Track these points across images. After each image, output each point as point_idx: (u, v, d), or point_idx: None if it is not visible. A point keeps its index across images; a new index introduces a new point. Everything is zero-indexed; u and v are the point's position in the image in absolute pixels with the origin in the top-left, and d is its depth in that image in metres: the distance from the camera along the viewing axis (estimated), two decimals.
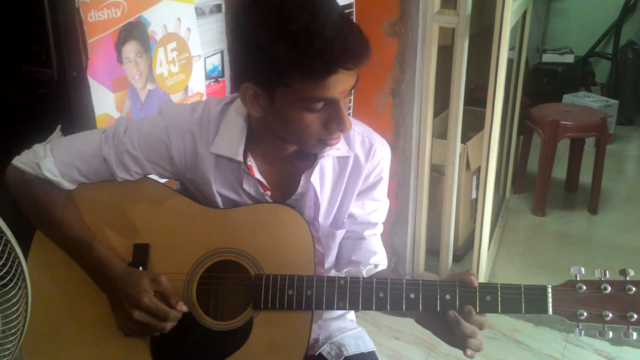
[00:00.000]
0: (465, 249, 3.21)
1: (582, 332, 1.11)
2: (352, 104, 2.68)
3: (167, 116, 1.26)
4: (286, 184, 1.29)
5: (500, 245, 3.34)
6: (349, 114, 2.52)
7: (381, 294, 1.16)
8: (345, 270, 1.40)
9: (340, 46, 1.01)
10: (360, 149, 1.30)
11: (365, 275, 1.36)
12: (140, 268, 1.24)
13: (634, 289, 1.10)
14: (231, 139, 1.23)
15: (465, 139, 2.90)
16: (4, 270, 1.01)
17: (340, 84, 1.06)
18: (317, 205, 1.28)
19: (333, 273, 1.42)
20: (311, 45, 1.01)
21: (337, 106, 1.10)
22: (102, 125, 1.65)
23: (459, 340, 1.15)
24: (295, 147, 1.24)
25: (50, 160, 1.24)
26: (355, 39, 1.04)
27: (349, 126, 1.12)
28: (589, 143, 4.31)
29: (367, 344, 1.43)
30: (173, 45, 1.86)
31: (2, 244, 1.01)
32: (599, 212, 3.72)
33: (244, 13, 1.07)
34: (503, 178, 3.63)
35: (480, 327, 1.13)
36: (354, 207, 1.35)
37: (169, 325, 1.19)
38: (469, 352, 1.14)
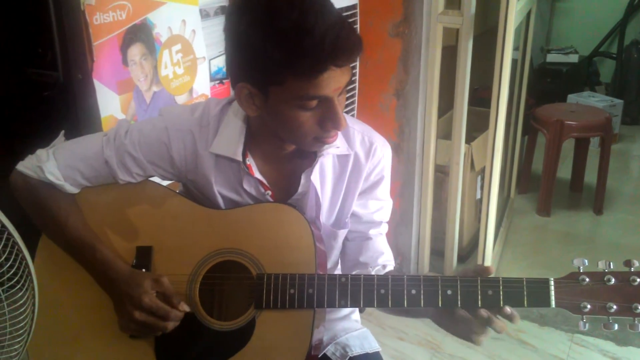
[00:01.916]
0: (470, 249, 3.21)
1: (587, 325, 1.09)
2: (356, 105, 2.68)
3: (167, 117, 1.27)
4: (287, 184, 1.29)
5: (505, 246, 3.34)
6: (352, 114, 2.53)
7: (382, 291, 1.16)
8: (354, 273, 1.39)
9: (330, 43, 1.01)
10: (361, 147, 1.30)
11: None
12: (144, 270, 1.24)
13: (638, 279, 1.08)
14: (230, 139, 1.23)
15: (469, 139, 2.89)
16: (12, 272, 1.02)
17: (333, 81, 1.06)
18: (318, 205, 1.28)
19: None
20: (301, 42, 1.01)
21: (331, 104, 1.10)
22: (107, 127, 1.66)
23: (471, 334, 1.13)
24: (294, 146, 1.25)
25: (53, 163, 1.25)
26: (347, 36, 1.04)
27: (344, 124, 1.12)
28: (594, 143, 4.30)
29: (372, 345, 1.43)
30: (178, 47, 1.87)
31: (10, 245, 1.01)
32: (604, 212, 3.71)
33: (237, 12, 1.08)
34: (508, 178, 3.63)
35: (511, 319, 1.11)
36: (357, 207, 1.35)
37: (170, 325, 1.20)
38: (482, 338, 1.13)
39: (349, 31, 1.05)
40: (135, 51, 1.73)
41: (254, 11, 1.05)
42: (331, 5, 1.07)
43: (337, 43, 1.02)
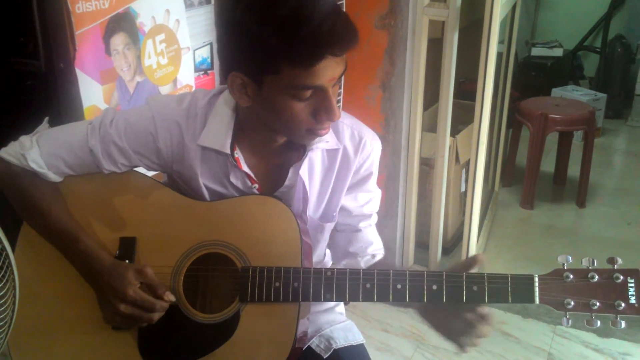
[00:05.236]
0: (455, 242, 3.22)
1: (570, 322, 1.11)
2: (341, 97, 2.67)
3: (154, 107, 1.25)
4: (274, 177, 1.28)
5: (489, 238, 3.36)
6: (338, 106, 2.53)
7: (368, 285, 1.16)
8: (344, 262, 1.40)
9: (328, 31, 1.02)
10: (350, 142, 1.30)
11: (363, 267, 1.37)
12: (127, 261, 1.23)
13: (621, 277, 1.09)
14: (218, 131, 1.22)
15: (454, 132, 2.90)
16: None
17: (329, 70, 1.06)
18: (305, 198, 1.28)
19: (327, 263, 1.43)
20: (299, 30, 1.01)
21: (326, 94, 1.09)
22: (90, 117, 1.64)
23: (458, 335, 1.15)
24: (284, 138, 1.24)
25: (36, 151, 1.23)
26: (343, 25, 1.05)
27: (338, 115, 1.12)
28: (577, 136, 4.33)
29: (356, 337, 1.43)
30: (162, 37, 1.85)
31: None
32: (586, 205, 3.74)
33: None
34: (492, 171, 3.64)
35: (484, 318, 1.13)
36: (347, 201, 1.35)
37: (156, 316, 1.19)
38: (466, 349, 1.14)
39: (346, 20, 1.06)
40: (118, 40, 1.71)
41: None
42: None
43: (334, 31, 1.02)
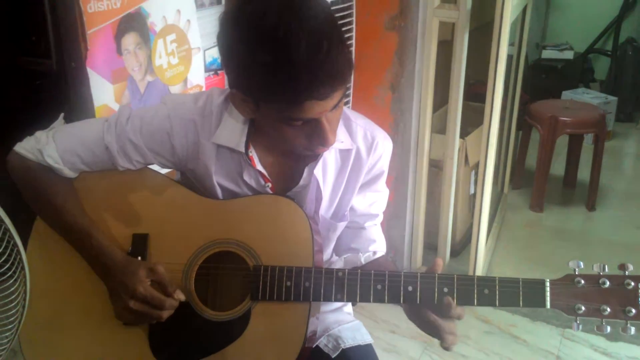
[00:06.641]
0: (463, 244, 3.21)
1: (580, 327, 1.11)
2: (351, 97, 2.68)
3: (170, 105, 1.26)
4: (288, 176, 1.29)
5: (498, 241, 3.35)
6: (348, 107, 2.54)
7: (379, 286, 1.16)
8: (345, 256, 1.41)
9: (308, 80, 0.99)
10: (363, 142, 1.30)
11: (363, 262, 1.37)
12: (139, 258, 1.24)
13: (632, 283, 1.10)
14: (233, 129, 1.23)
15: (464, 134, 2.90)
16: (3, 259, 1.01)
17: (317, 106, 1.04)
18: (319, 198, 1.28)
19: (334, 259, 1.44)
20: (279, 76, 1.00)
21: (318, 123, 1.09)
22: (101, 116, 1.65)
23: (438, 331, 1.18)
24: None
25: (52, 146, 1.24)
26: (330, 68, 1.00)
27: (332, 141, 1.12)
28: (588, 139, 4.32)
29: (364, 337, 1.43)
30: (172, 37, 1.86)
31: (1, 232, 1.00)
32: (596, 209, 3.73)
33: (226, 25, 1.07)
34: (501, 173, 3.63)
35: (459, 318, 1.16)
36: (356, 200, 1.35)
37: (165, 314, 1.19)
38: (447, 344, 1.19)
39: (334, 58, 1.01)
40: (130, 40, 1.72)
41: (241, 30, 1.04)
42: (321, 26, 1.01)
43: (315, 78, 1.00)
